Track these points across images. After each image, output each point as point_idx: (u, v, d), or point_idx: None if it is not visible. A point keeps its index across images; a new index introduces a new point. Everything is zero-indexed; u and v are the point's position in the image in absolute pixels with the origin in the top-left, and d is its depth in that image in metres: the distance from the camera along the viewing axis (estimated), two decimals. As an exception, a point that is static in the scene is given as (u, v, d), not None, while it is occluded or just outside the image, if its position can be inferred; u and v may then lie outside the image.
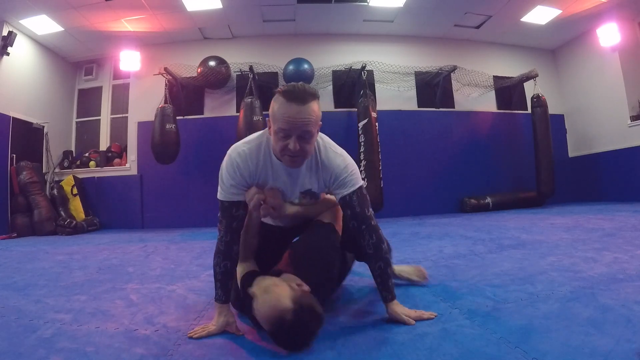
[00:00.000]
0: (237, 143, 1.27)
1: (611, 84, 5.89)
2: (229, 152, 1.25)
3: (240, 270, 1.29)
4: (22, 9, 4.77)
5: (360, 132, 5.10)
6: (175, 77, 5.57)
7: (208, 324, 1.19)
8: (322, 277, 1.21)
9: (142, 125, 5.84)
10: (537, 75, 5.87)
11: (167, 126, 5.03)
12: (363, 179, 4.95)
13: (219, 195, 1.24)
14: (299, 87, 1.14)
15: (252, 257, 1.36)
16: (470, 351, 0.93)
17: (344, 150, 1.32)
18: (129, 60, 5.80)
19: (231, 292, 1.24)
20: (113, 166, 5.89)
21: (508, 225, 3.59)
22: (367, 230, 1.23)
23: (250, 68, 5.39)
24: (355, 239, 1.27)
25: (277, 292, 1.00)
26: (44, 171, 5.54)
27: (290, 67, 5.67)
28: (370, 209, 1.27)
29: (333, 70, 5.95)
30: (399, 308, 1.20)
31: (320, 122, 1.21)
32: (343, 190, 1.25)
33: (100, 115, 6.24)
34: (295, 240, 1.41)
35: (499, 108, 6.57)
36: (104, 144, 6.14)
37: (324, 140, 1.31)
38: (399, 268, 1.66)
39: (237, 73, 5.78)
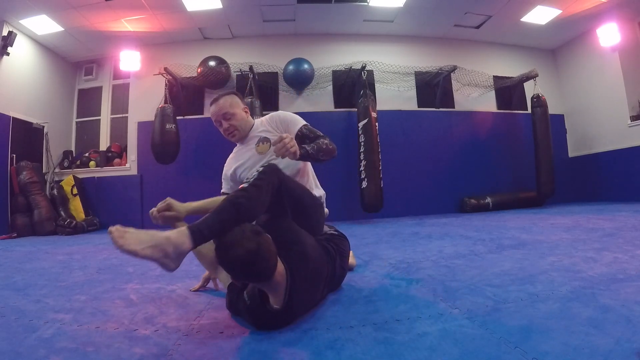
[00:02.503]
0: None
1: (611, 84, 5.89)
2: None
3: (224, 277, 1.33)
4: (22, 9, 4.77)
5: (360, 132, 5.10)
6: (175, 77, 5.57)
7: None
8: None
9: (142, 125, 5.84)
10: (537, 75, 5.88)
11: (167, 126, 5.03)
12: (363, 179, 5.03)
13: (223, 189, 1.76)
14: (218, 94, 1.67)
15: None
16: (470, 351, 0.93)
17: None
18: (129, 60, 5.81)
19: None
20: (113, 166, 5.89)
21: (508, 225, 3.59)
22: (324, 139, 1.58)
23: (250, 68, 5.39)
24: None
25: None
26: (44, 171, 5.54)
27: (290, 67, 5.67)
28: (319, 132, 1.63)
29: (333, 70, 5.95)
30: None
31: (243, 105, 1.69)
32: (294, 129, 1.62)
33: (100, 115, 6.25)
34: None
35: (499, 108, 6.57)
36: (104, 144, 6.14)
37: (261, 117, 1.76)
38: None
39: (237, 73, 5.79)
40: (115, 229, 1.02)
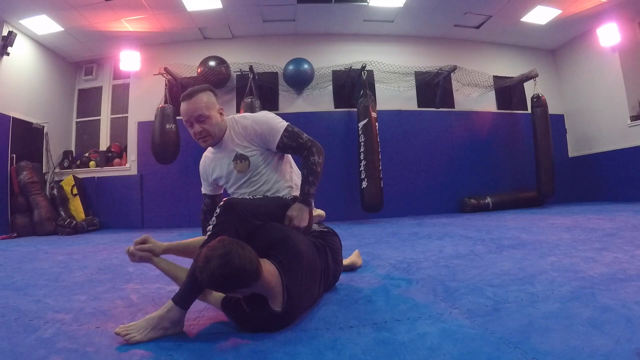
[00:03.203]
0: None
1: (611, 84, 5.89)
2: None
3: (214, 299, 1.31)
4: (22, 9, 4.77)
5: (360, 132, 5.10)
6: (175, 77, 5.57)
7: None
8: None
9: (142, 125, 5.84)
10: (537, 75, 5.88)
11: (167, 126, 5.03)
12: (363, 179, 5.02)
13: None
14: (191, 88, 1.47)
15: None
16: (470, 351, 0.93)
17: (256, 113, 1.57)
18: (129, 60, 5.80)
19: None
20: (113, 166, 5.89)
21: (508, 225, 3.59)
22: (309, 153, 1.47)
23: (250, 68, 5.39)
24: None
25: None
26: (44, 171, 5.54)
27: (290, 67, 5.67)
28: (304, 135, 1.50)
29: (333, 70, 5.95)
30: (297, 207, 1.43)
31: (218, 107, 1.49)
32: (273, 141, 1.47)
33: (100, 115, 6.25)
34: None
35: (499, 108, 6.58)
36: (104, 144, 6.14)
37: (235, 117, 1.56)
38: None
39: (237, 73, 5.78)
40: (120, 330, 1.12)
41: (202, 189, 1.71)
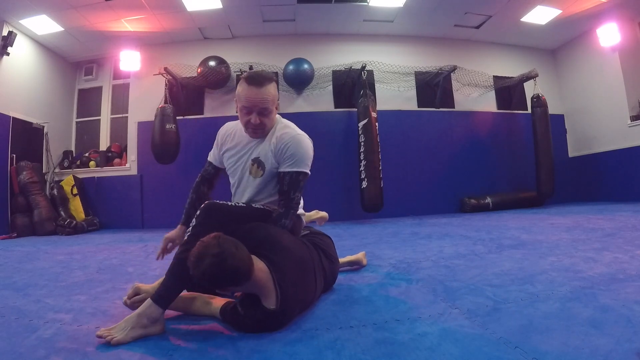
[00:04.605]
0: None
1: (611, 84, 5.89)
2: (227, 123, 1.65)
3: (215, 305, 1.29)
4: (22, 9, 4.77)
5: (360, 132, 5.10)
6: (175, 77, 5.57)
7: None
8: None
9: (142, 125, 5.84)
10: (537, 75, 5.88)
11: (167, 126, 5.03)
12: (363, 179, 5.01)
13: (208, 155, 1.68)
14: (257, 72, 1.42)
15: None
16: (470, 351, 0.93)
17: (305, 136, 1.48)
18: (129, 60, 5.80)
19: (191, 219, 1.34)
20: (113, 166, 5.89)
21: (508, 225, 3.59)
22: (285, 212, 1.42)
23: (250, 68, 5.39)
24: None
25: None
26: (44, 171, 5.54)
27: (290, 67, 5.67)
28: (297, 194, 1.44)
29: (333, 70, 5.95)
30: None
31: (278, 102, 1.47)
32: (283, 166, 1.43)
33: (100, 115, 6.24)
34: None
35: (499, 108, 6.57)
36: (104, 144, 6.14)
37: (286, 123, 1.52)
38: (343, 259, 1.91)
39: (237, 73, 5.78)
40: (102, 332, 1.11)
41: (210, 155, 1.67)
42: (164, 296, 1.19)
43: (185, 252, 1.19)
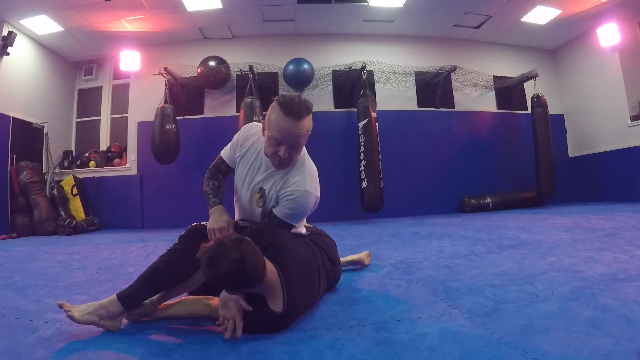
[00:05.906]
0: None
1: (611, 84, 5.89)
2: (251, 124, 1.51)
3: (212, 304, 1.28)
4: (22, 9, 4.77)
5: (360, 132, 5.10)
6: (175, 77, 5.57)
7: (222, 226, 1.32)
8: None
9: (142, 125, 5.84)
10: (537, 75, 5.88)
11: (167, 126, 5.03)
12: (363, 179, 5.01)
13: (222, 152, 1.55)
14: (296, 101, 1.24)
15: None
16: (470, 351, 0.93)
17: (313, 192, 1.37)
18: (129, 60, 5.80)
19: (222, 201, 1.39)
20: (113, 166, 5.89)
21: (508, 225, 3.59)
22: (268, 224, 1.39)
23: (250, 68, 5.39)
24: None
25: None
26: (44, 171, 5.54)
27: (290, 67, 5.67)
28: (281, 230, 1.35)
29: (333, 70, 5.95)
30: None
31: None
32: (278, 210, 1.36)
33: (100, 115, 6.24)
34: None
35: (499, 108, 6.57)
36: (104, 144, 6.14)
37: (306, 163, 1.40)
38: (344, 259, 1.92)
39: (237, 73, 5.78)
40: (64, 305, 1.15)
41: (224, 153, 1.54)
42: (130, 298, 1.20)
43: (162, 264, 1.25)
